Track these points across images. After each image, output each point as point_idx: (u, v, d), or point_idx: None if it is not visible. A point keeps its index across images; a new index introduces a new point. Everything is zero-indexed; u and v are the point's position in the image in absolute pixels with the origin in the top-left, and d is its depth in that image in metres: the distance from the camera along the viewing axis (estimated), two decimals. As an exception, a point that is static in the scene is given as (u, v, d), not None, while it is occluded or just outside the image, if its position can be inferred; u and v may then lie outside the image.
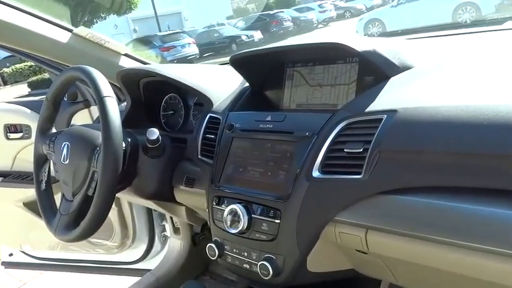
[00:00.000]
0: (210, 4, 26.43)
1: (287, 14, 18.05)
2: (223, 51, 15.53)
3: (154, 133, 1.06)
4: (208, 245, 0.98)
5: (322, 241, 0.84)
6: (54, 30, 1.37)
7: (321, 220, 0.81)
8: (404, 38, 1.18)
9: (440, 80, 0.85)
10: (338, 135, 0.81)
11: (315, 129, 0.84)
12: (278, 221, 0.85)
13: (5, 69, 17.77)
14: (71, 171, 1.06)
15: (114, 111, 0.96)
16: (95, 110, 1.77)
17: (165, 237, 2.01)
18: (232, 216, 0.90)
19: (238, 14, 27.55)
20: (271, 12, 19.01)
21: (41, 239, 2.12)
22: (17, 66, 17.59)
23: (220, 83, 1.22)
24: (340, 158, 0.80)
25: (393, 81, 0.87)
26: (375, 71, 0.92)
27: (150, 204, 1.43)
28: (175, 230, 1.84)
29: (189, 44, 14.53)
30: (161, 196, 1.20)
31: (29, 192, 2.01)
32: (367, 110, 0.80)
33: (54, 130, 1.21)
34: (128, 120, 1.32)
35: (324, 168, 0.82)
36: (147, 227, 1.96)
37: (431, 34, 1.24)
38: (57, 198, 1.19)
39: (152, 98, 1.41)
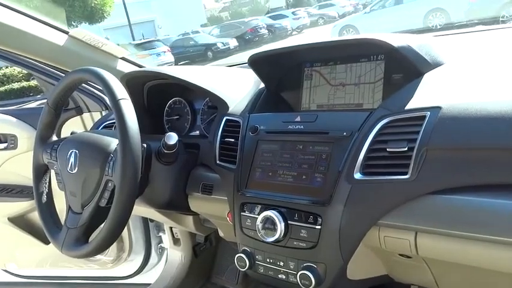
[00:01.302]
0: (184, 12, 26.34)
1: (262, 22, 18.15)
2: (199, 59, 15.45)
3: (173, 138, 0.99)
4: (238, 255, 0.92)
5: (363, 246, 0.80)
6: (49, 31, 1.30)
7: (364, 224, 0.77)
8: None
9: (477, 76, 0.83)
10: (378, 134, 0.77)
11: (353, 128, 0.80)
12: (319, 227, 0.80)
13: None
14: (79, 181, 0.98)
15: (132, 114, 0.89)
16: (87, 118, 1.69)
17: (162, 249, 1.93)
18: (267, 223, 0.84)
19: (212, 22, 27.56)
20: (246, 19, 19.08)
21: (28, 256, 2.00)
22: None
23: (232, 85, 1.16)
24: (382, 158, 0.76)
25: (428, 78, 0.84)
26: (406, 68, 0.89)
27: (154, 215, 1.35)
28: (175, 241, 1.76)
29: (164, 52, 14.33)
30: (175, 205, 1.13)
31: (15, 207, 1.90)
32: (408, 107, 0.77)
33: (55, 138, 1.13)
34: None
35: (365, 169, 0.77)
36: (143, 239, 1.88)
37: (451, 32, 1.23)
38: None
39: (155, 103, 1.34)
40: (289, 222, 0.83)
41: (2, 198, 1.88)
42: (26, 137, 1.74)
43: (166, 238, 1.86)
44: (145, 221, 1.83)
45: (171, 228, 1.74)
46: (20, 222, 1.94)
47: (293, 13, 20.11)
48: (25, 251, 1.99)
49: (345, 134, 0.81)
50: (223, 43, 16.07)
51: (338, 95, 1.02)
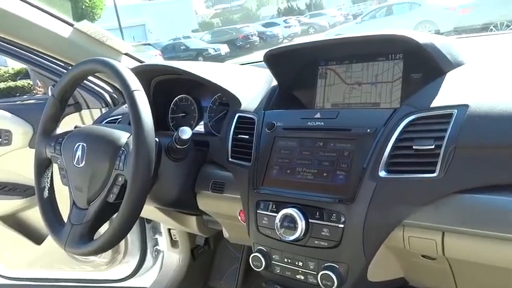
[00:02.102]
0: (175, 17, 26.31)
1: (253, 29, 18.21)
2: (190, 64, 15.35)
3: (186, 132, 0.95)
4: (253, 255, 0.89)
5: (385, 247, 0.77)
6: (54, 22, 1.26)
7: (389, 224, 0.75)
8: None
9: (499, 77, 0.82)
10: (403, 131, 0.76)
11: (377, 125, 0.79)
12: (342, 226, 0.77)
13: None
14: (86, 176, 0.94)
15: (146, 106, 0.86)
16: (86, 115, 1.65)
17: (158, 252, 1.88)
18: (286, 221, 0.81)
19: (204, 27, 27.61)
20: (238, 26, 19.13)
21: (18, 256, 1.93)
22: None
23: (243, 82, 1.14)
24: (408, 156, 0.74)
25: (450, 76, 0.83)
26: (426, 67, 0.88)
27: (156, 215, 1.31)
28: (173, 243, 1.72)
29: (155, 56, 14.25)
30: (182, 203, 1.10)
31: (6, 205, 1.84)
32: (433, 105, 0.76)
33: (59, 131, 1.08)
34: None
35: (390, 167, 0.76)
36: (139, 241, 1.83)
37: (464, 36, 1.23)
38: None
39: (161, 100, 1.30)
40: (310, 220, 0.80)
41: (-7, 196, 1.82)
42: (21, 132, 1.68)
43: (162, 240, 1.82)
44: (142, 222, 1.79)
45: (169, 229, 1.70)
46: (10, 221, 1.88)
47: (284, 21, 20.26)
48: (15, 251, 1.92)
49: (368, 131, 0.79)
50: (214, 49, 16.05)
51: (354, 94, 1.01)
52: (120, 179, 0.90)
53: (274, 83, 1.11)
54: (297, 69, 1.07)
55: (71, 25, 1.30)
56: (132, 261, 1.85)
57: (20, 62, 1.56)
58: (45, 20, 1.23)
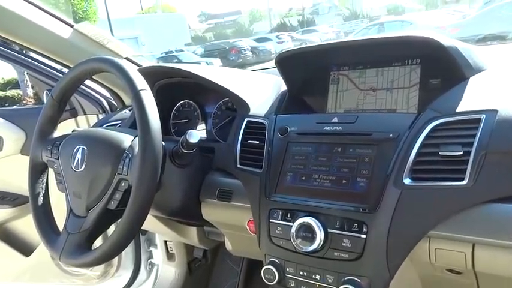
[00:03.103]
0: (168, 31, 26.39)
1: (246, 43, 18.32)
2: (182, 77, 15.33)
3: (194, 135, 0.90)
4: (265, 267, 0.83)
5: (408, 260, 0.73)
6: (53, 22, 1.21)
7: (415, 234, 0.70)
8: None
9: None
10: (428, 136, 0.72)
11: (400, 130, 0.74)
12: (364, 236, 0.72)
13: None
14: (86, 181, 0.88)
15: (153, 106, 0.81)
16: (82, 121, 1.59)
17: (152, 265, 1.81)
18: (303, 231, 0.76)
19: (197, 41, 27.73)
20: (231, 40, 19.23)
21: (5, 268, 1.84)
22: None
23: (251, 87, 1.10)
24: (434, 162, 0.70)
25: (474, 81, 0.80)
26: (447, 72, 0.84)
27: (155, 225, 1.25)
28: (169, 256, 1.65)
29: (148, 68, 14.23)
30: (186, 212, 1.04)
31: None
32: (459, 109, 0.72)
33: (56, 134, 1.03)
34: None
35: (415, 174, 0.71)
36: (133, 253, 1.76)
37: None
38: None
39: (163, 105, 1.25)
40: (328, 230, 0.75)
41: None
42: (13, 139, 1.62)
43: (157, 253, 1.75)
44: (137, 234, 1.71)
45: (165, 241, 1.63)
46: (-4, 231, 1.79)
47: (277, 37, 20.42)
48: (2, 263, 1.83)
49: (391, 135, 0.75)
50: (207, 62, 16.03)
51: (368, 100, 0.97)
52: (123, 184, 0.84)
53: (283, 88, 1.07)
54: (308, 73, 1.03)
55: (71, 26, 1.25)
56: (125, 275, 1.77)
57: (16, 65, 1.51)
58: (44, 19, 1.19)
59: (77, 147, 0.91)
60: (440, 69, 0.86)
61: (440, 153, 0.70)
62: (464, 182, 0.67)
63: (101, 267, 1.73)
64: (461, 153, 0.68)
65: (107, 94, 1.54)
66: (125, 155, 0.85)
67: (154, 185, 0.78)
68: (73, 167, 0.90)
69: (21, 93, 9.48)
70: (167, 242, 1.63)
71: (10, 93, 10.36)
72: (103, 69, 0.89)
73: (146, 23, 28.35)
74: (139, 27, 27.17)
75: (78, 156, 0.90)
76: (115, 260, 1.73)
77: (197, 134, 0.90)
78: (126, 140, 0.88)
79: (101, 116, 1.54)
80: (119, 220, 0.82)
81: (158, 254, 1.74)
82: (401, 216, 0.70)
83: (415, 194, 0.70)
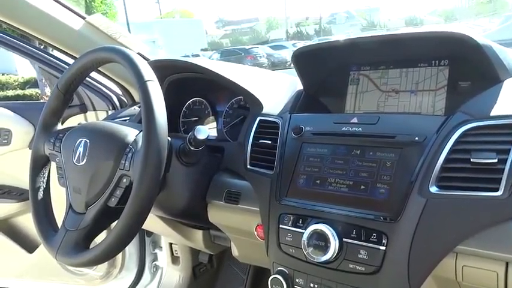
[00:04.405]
0: (185, 36, 26.62)
1: (262, 50, 18.34)
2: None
3: (203, 131, 0.84)
4: (272, 276, 0.77)
5: (431, 277, 0.66)
6: (65, 13, 1.18)
7: (440, 249, 0.63)
8: None
9: None
10: (458, 141, 0.65)
11: (427, 133, 0.68)
12: (383, 248, 0.66)
13: None
14: (87, 175, 0.83)
15: (160, 98, 0.76)
16: (91, 117, 1.55)
17: (156, 268, 1.76)
18: (315, 239, 0.69)
19: (213, 47, 27.91)
20: (247, 47, 19.27)
21: (7, 265, 1.81)
22: None
23: (266, 85, 1.05)
24: (464, 170, 0.64)
25: (508, 84, 0.73)
26: (478, 74, 0.78)
27: (159, 226, 1.20)
28: (174, 260, 1.60)
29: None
30: (191, 214, 0.99)
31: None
32: (494, 113, 0.66)
33: (60, 126, 0.98)
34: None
35: (442, 181, 0.65)
36: (137, 255, 1.71)
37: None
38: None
39: (172, 102, 1.21)
40: (344, 239, 0.69)
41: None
42: (22, 132, 1.59)
43: (162, 256, 1.70)
44: (142, 235, 1.67)
45: (170, 244, 1.58)
46: (2, 226, 1.77)
47: (293, 45, 20.38)
48: (5, 259, 1.80)
49: (416, 139, 0.68)
50: (222, 68, 16.13)
51: (390, 102, 0.91)
52: (124, 180, 0.79)
53: (299, 87, 1.01)
54: (326, 72, 0.97)
55: (83, 18, 1.22)
56: (128, 277, 1.73)
57: (28, 58, 1.48)
58: (56, 9, 1.15)
59: (80, 140, 0.86)
60: (471, 70, 0.80)
61: (471, 159, 0.63)
62: (498, 193, 0.60)
63: (104, 267, 1.69)
64: (496, 160, 0.61)
65: (118, 90, 1.50)
66: (128, 149, 0.80)
67: (156, 183, 0.73)
68: (74, 161, 0.86)
69: (39, 91, 9.61)
70: (172, 245, 1.58)
71: (29, 91, 10.51)
72: (110, 59, 0.84)
73: (164, 27, 28.66)
74: (157, 31, 27.48)
75: (80, 149, 0.85)
76: (118, 260, 1.69)
77: (206, 129, 0.85)
78: (131, 133, 0.83)
79: (110, 113, 1.50)
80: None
81: (163, 257, 1.69)
82: (426, 227, 0.64)
83: (442, 204, 0.64)
